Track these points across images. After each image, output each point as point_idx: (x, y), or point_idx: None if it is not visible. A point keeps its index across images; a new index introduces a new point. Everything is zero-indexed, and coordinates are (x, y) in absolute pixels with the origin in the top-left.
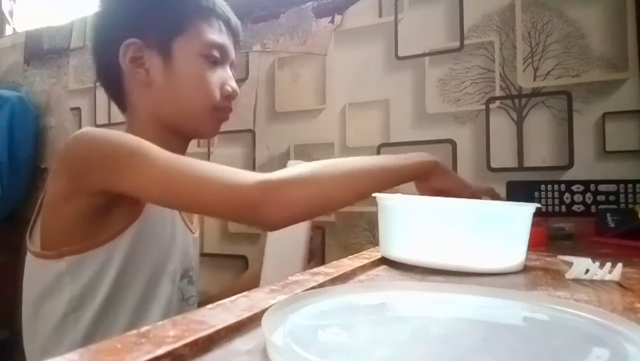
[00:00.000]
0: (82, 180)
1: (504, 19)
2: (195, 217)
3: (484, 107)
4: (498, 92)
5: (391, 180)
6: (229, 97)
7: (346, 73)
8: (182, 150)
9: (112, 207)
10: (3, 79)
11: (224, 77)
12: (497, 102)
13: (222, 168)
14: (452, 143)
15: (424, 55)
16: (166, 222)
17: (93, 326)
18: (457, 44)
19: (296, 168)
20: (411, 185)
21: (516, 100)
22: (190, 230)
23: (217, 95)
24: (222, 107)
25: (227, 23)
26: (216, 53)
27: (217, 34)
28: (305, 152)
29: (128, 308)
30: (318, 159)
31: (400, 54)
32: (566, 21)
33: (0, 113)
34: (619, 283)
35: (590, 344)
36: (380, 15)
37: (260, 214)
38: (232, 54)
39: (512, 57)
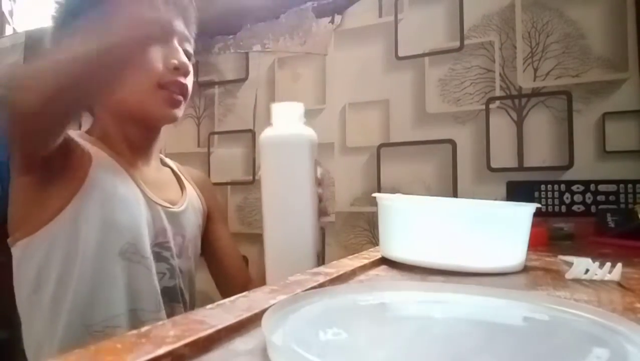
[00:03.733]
0: (9, 150)
1: (504, 19)
2: (182, 190)
3: (484, 107)
4: (498, 92)
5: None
6: (176, 71)
7: (346, 73)
8: (148, 142)
9: (47, 186)
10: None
11: (167, 51)
12: (497, 102)
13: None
14: (452, 143)
15: (424, 55)
16: (115, 198)
17: (54, 307)
18: (457, 44)
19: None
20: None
21: (516, 100)
22: (163, 205)
23: (159, 69)
24: (169, 83)
25: None
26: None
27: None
28: None
29: (82, 287)
30: (318, 159)
31: (400, 54)
32: (566, 21)
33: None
34: (619, 283)
35: (590, 344)
36: (380, 15)
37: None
38: (180, 28)
39: (512, 57)
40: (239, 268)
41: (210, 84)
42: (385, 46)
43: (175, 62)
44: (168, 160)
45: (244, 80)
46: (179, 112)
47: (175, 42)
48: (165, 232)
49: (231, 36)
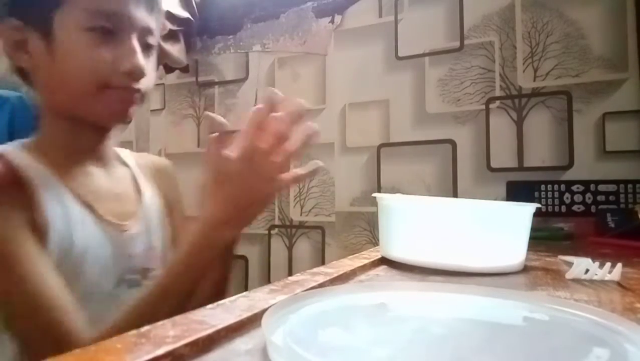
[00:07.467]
0: None
1: (504, 19)
2: (139, 195)
3: (484, 107)
4: (498, 92)
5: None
6: (130, 74)
7: (346, 73)
8: (97, 145)
9: None
10: (3, 79)
11: (121, 51)
12: (497, 102)
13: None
14: (452, 143)
15: (424, 55)
16: (75, 245)
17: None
18: (457, 44)
19: None
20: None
21: (516, 100)
22: (120, 224)
23: (107, 71)
24: (119, 86)
25: None
26: (107, 23)
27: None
28: (305, 152)
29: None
30: (318, 159)
31: (400, 54)
32: (566, 21)
33: (0, 113)
34: (618, 283)
35: (590, 344)
36: (380, 15)
37: None
38: (141, 21)
39: (512, 57)
40: None
41: (210, 84)
42: (385, 46)
43: (128, 65)
44: (125, 154)
45: (244, 80)
46: (131, 111)
47: (133, 41)
48: (126, 259)
49: (231, 36)
